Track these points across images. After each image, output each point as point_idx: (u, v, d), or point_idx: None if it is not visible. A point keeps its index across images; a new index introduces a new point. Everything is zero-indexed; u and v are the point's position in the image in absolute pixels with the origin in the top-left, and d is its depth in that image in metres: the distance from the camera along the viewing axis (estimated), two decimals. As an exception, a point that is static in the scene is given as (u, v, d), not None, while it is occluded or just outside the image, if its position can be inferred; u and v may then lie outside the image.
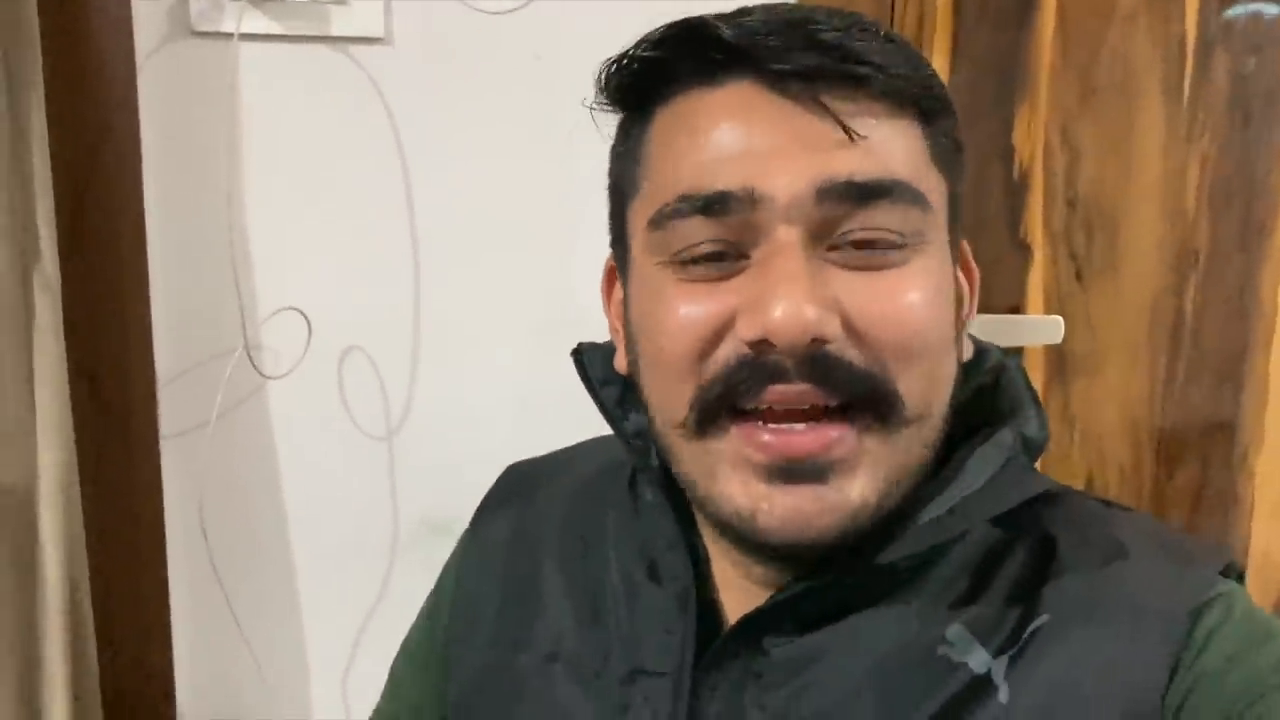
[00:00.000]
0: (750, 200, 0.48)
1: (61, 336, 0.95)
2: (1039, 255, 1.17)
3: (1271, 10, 1.12)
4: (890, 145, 0.49)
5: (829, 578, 0.50)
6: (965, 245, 0.56)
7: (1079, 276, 1.17)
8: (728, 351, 0.49)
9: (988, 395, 0.56)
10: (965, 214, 0.55)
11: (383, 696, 0.72)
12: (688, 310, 0.49)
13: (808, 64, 0.47)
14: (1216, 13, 1.13)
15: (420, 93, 1.07)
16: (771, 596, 0.51)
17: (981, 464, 0.52)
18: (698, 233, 0.49)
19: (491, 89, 1.08)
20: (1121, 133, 1.15)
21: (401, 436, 1.11)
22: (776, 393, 0.47)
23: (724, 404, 0.49)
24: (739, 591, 0.55)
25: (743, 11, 0.50)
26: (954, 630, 0.50)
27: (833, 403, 0.48)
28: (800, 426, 0.48)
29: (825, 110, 0.47)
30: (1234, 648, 0.48)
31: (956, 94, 0.55)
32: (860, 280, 0.48)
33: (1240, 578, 0.52)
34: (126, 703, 1.08)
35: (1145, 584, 0.50)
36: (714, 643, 0.53)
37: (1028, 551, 0.52)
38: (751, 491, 0.49)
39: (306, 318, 1.07)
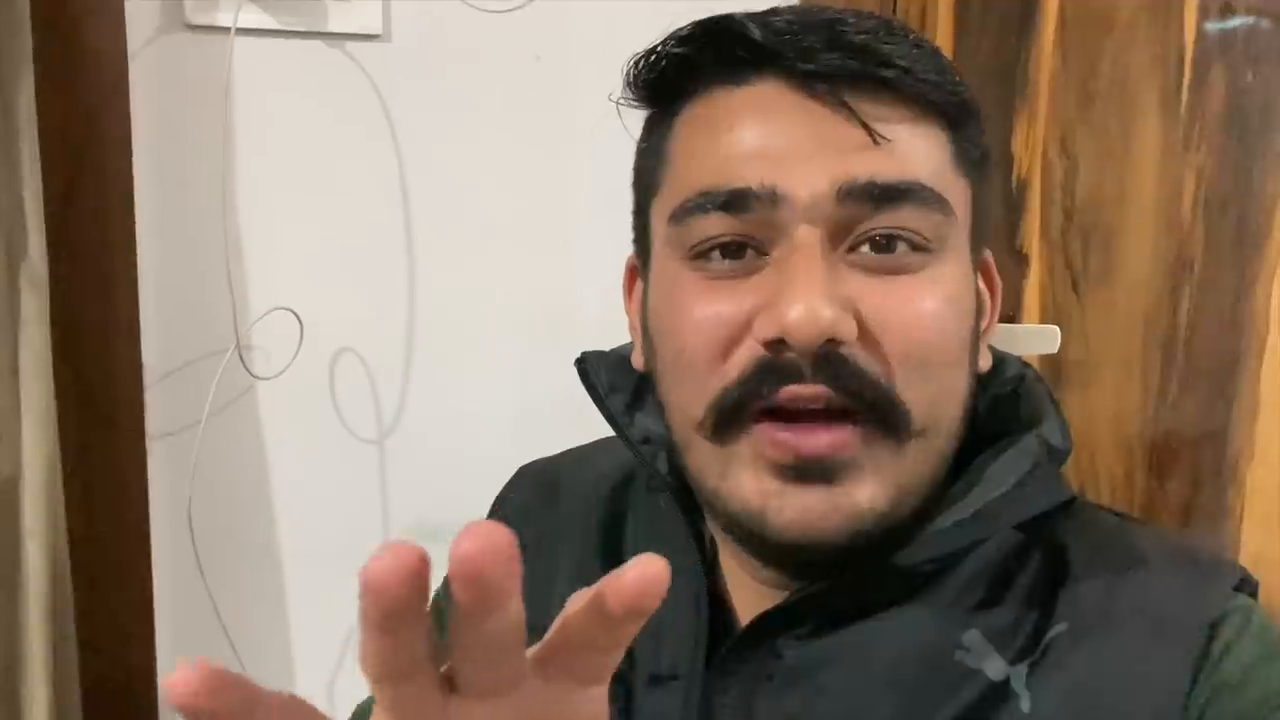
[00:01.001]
0: (771, 198, 0.48)
1: (48, 331, 0.94)
2: (1036, 264, 1.17)
3: (1266, 23, 1.12)
4: (914, 148, 0.49)
5: (846, 578, 0.50)
6: (989, 256, 0.56)
7: (1075, 286, 1.17)
8: (746, 354, 0.48)
9: (1006, 405, 0.55)
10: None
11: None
12: (706, 310, 0.49)
13: (833, 65, 0.47)
14: (1213, 23, 1.13)
15: (418, 91, 1.06)
16: (788, 595, 0.51)
17: (1007, 469, 0.51)
18: (717, 227, 0.49)
19: (490, 88, 1.07)
20: (1119, 143, 1.15)
21: (393, 440, 1.10)
22: (791, 392, 0.47)
23: (742, 406, 0.49)
24: (750, 595, 0.54)
25: (772, 11, 0.50)
26: (970, 636, 0.50)
27: (846, 405, 0.47)
28: (816, 425, 0.48)
29: (849, 111, 0.47)
30: (1251, 660, 0.48)
31: None
32: (877, 284, 0.48)
33: (1254, 592, 0.52)
34: (107, 702, 1.06)
35: (1161, 596, 0.50)
36: (725, 645, 0.53)
37: (1043, 560, 0.52)
38: (764, 488, 0.49)
39: (299, 318, 1.06)
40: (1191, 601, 0.49)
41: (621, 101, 0.54)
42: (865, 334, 0.47)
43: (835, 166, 0.47)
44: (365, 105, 1.05)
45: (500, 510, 0.69)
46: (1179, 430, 1.19)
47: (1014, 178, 1.17)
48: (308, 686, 1.12)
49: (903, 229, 0.48)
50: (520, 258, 1.09)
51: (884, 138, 0.47)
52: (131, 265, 1.03)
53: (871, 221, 0.48)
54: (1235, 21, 1.13)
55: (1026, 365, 0.58)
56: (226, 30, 1.00)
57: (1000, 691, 0.48)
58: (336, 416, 1.09)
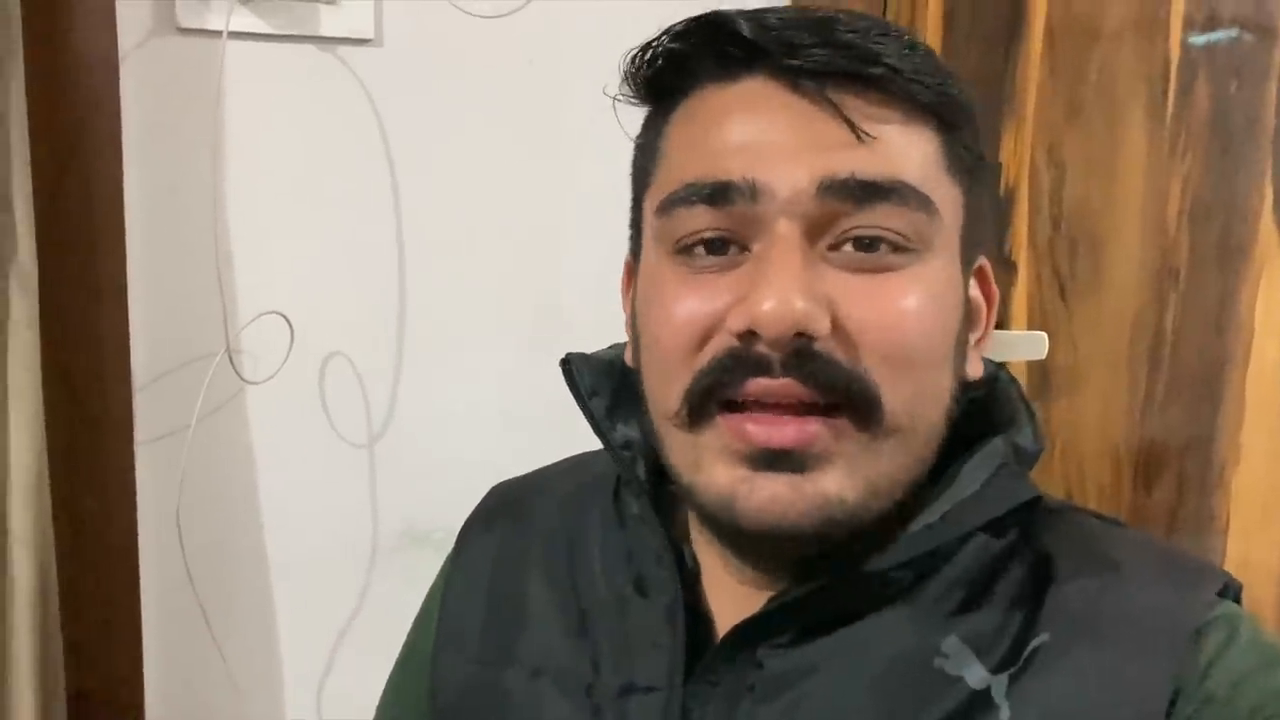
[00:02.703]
0: (752, 192, 0.48)
1: (37, 333, 0.93)
2: (1023, 271, 1.18)
3: (1246, 37, 1.14)
4: (900, 148, 0.48)
5: (822, 582, 0.50)
6: (987, 264, 0.56)
7: (1062, 293, 1.18)
8: (718, 345, 0.49)
9: (981, 408, 0.55)
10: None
11: None
12: (685, 303, 0.50)
13: (820, 61, 0.48)
14: (1198, 36, 1.14)
15: (409, 96, 1.06)
16: (765, 604, 0.51)
17: (975, 472, 0.52)
18: (701, 221, 0.49)
19: (482, 93, 1.07)
20: (1106, 151, 1.16)
21: (383, 444, 1.10)
22: (760, 385, 0.47)
23: (712, 396, 0.49)
24: (730, 600, 0.54)
25: (767, 10, 0.50)
26: (950, 643, 0.49)
27: (816, 400, 0.47)
28: (784, 419, 0.48)
29: (833, 107, 0.47)
30: (1240, 672, 0.47)
31: None
32: (857, 282, 0.48)
33: (1238, 597, 0.52)
34: (94, 709, 1.05)
35: (1145, 604, 0.50)
36: (705, 656, 0.52)
37: (1024, 567, 0.52)
38: (734, 475, 0.49)
39: (289, 322, 1.06)
40: (1175, 610, 0.49)
41: (619, 98, 0.55)
42: (843, 331, 0.47)
43: (817, 162, 0.47)
44: (356, 110, 1.05)
45: (467, 526, 0.69)
46: (1165, 436, 1.20)
47: (1002, 185, 1.17)
48: (295, 692, 1.12)
49: (885, 228, 0.48)
50: (511, 262, 1.09)
51: (869, 135, 0.47)
52: (121, 268, 1.02)
53: (853, 219, 0.48)
54: (1220, 34, 1.14)
55: (1000, 367, 0.58)
56: (218, 34, 1.00)
57: (981, 701, 0.48)
58: (326, 421, 1.09)
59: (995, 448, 0.52)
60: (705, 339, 0.49)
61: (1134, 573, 0.51)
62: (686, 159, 0.51)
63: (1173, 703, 0.47)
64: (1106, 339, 1.18)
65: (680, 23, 0.51)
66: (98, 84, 1.00)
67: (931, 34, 1.16)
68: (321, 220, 1.06)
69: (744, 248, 0.49)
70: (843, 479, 0.48)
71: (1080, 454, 1.19)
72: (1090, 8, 1.15)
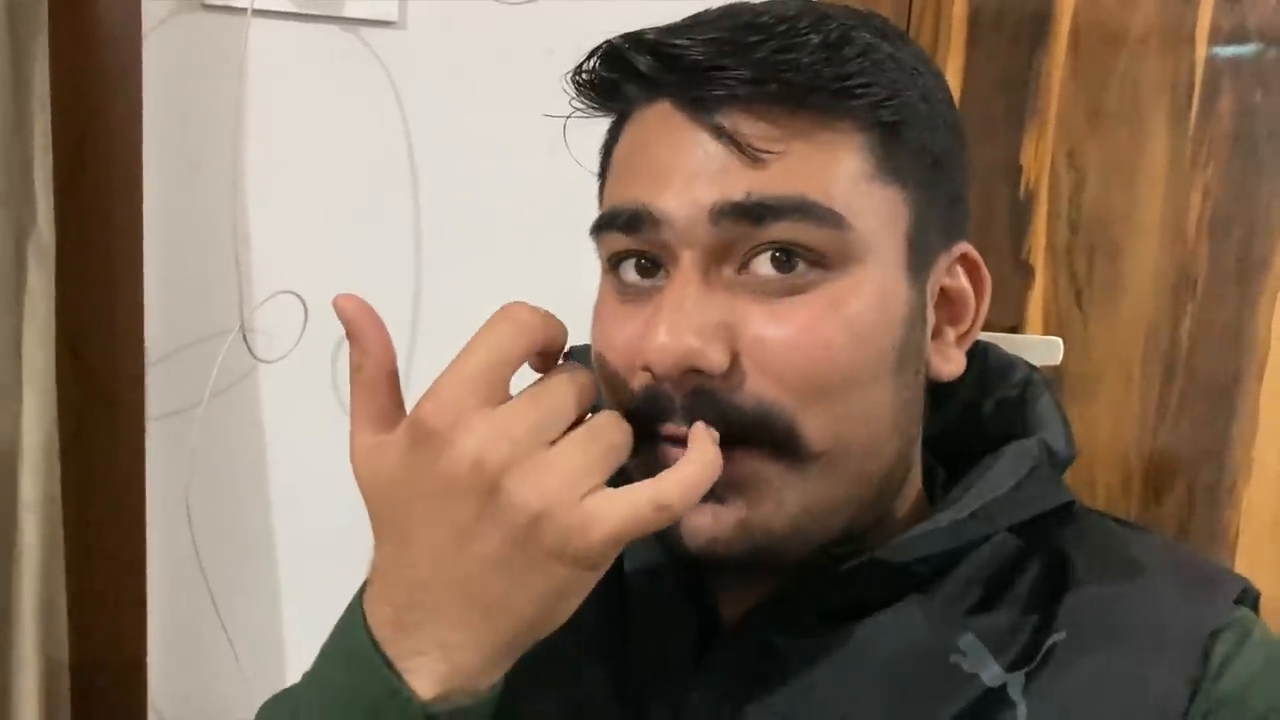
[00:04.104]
0: (654, 221, 0.47)
1: (53, 304, 0.94)
2: (1040, 276, 1.17)
3: (1271, 52, 1.13)
4: (806, 163, 0.47)
5: (836, 572, 0.49)
6: (972, 251, 0.54)
7: (1078, 299, 1.17)
8: (638, 381, 0.48)
9: (1012, 409, 0.55)
10: (971, 230, 0.53)
11: None
12: (613, 331, 0.50)
13: (720, 86, 0.46)
14: (1224, 47, 1.14)
15: (431, 79, 1.06)
16: (777, 589, 0.51)
17: (1006, 471, 0.51)
18: (622, 245, 0.49)
19: (503, 79, 1.07)
20: (1127, 158, 1.16)
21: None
22: (668, 430, 0.47)
23: (639, 429, 0.48)
24: (744, 586, 0.53)
25: (692, 22, 0.49)
26: (966, 640, 0.49)
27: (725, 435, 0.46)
28: None
29: (728, 135, 0.47)
30: (1252, 673, 0.47)
31: (967, 109, 0.53)
32: (763, 308, 0.47)
33: (1255, 603, 0.52)
34: (96, 678, 1.06)
35: (1161, 607, 0.49)
36: (716, 640, 0.52)
37: (1042, 566, 0.51)
38: None
39: (304, 302, 1.06)
40: (1191, 614, 0.49)
41: (576, 114, 0.54)
42: (750, 361, 0.46)
43: (711, 188, 0.46)
44: (378, 92, 1.05)
45: None
46: (1177, 447, 1.19)
47: (1021, 189, 1.17)
48: (299, 671, 1.11)
49: (785, 247, 0.47)
50: (528, 249, 1.09)
51: (767, 153, 0.46)
52: (137, 243, 1.02)
53: (750, 241, 0.46)
54: (1246, 46, 1.13)
55: (1034, 369, 0.57)
56: (243, 11, 1.00)
57: (997, 699, 0.48)
58: (338, 401, 1.08)
59: (1027, 449, 0.51)
60: (629, 370, 0.49)
61: (1153, 576, 0.51)
62: (615, 180, 0.52)
63: (1187, 707, 0.47)
64: (1121, 347, 1.18)
65: (600, 45, 0.51)
66: (121, 58, 1.00)
67: (956, 36, 1.15)
68: (339, 202, 1.06)
69: (668, 271, 0.49)
70: (767, 508, 0.47)
71: (1091, 461, 1.19)
72: (1116, 14, 1.14)
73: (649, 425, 0.47)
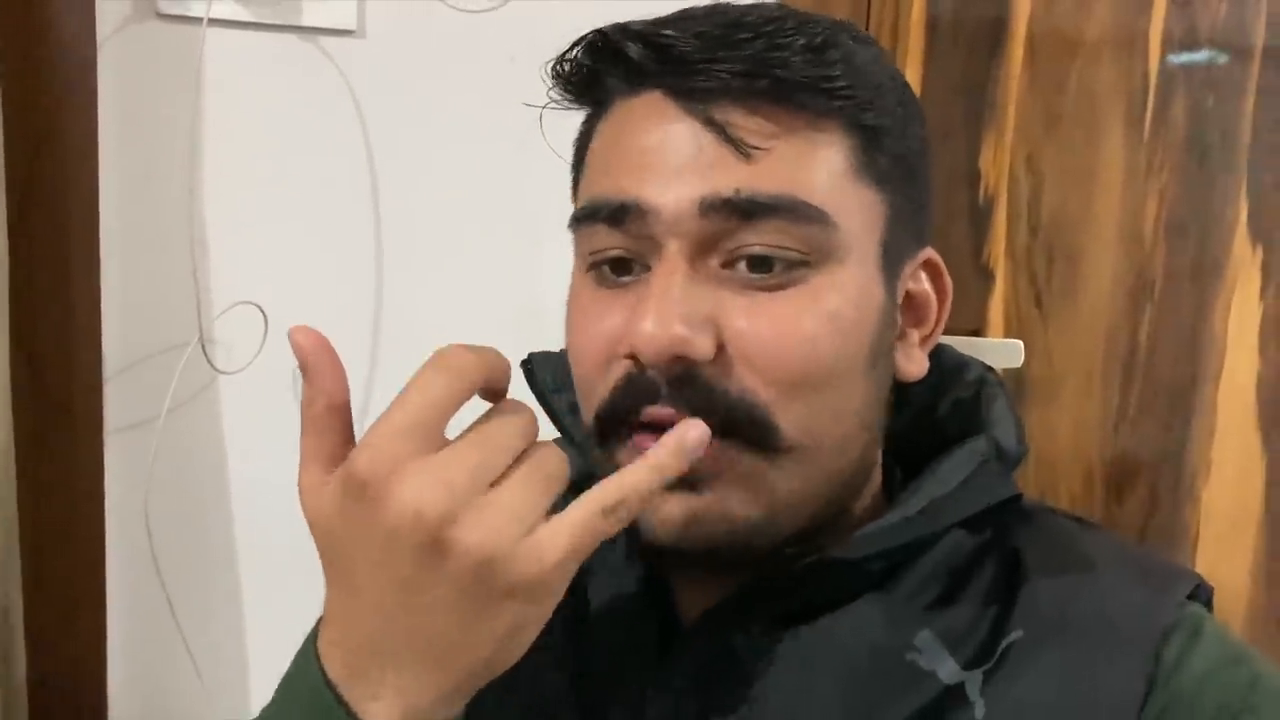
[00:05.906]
0: (640, 212, 0.48)
1: (6, 318, 0.92)
2: (1000, 280, 1.18)
3: (1222, 59, 1.15)
4: (794, 160, 0.48)
5: (791, 571, 0.50)
6: (935, 257, 0.55)
7: (1038, 302, 1.19)
8: (619, 369, 0.49)
9: (967, 408, 0.56)
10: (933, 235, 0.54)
11: None
12: (591, 324, 0.50)
13: (711, 81, 0.47)
14: (1176, 54, 1.15)
15: (390, 88, 1.05)
16: (736, 589, 0.51)
17: (954, 468, 0.52)
18: (604, 240, 0.50)
19: (463, 88, 1.06)
20: (1084, 163, 1.17)
21: (357, 439, 1.09)
22: (650, 413, 0.48)
23: (617, 419, 0.49)
24: (702, 588, 0.54)
25: (679, 17, 0.50)
26: (922, 637, 0.49)
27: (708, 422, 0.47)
28: None
29: (718, 127, 0.47)
30: (1206, 669, 0.48)
31: (926, 115, 0.54)
32: (747, 301, 0.48)
33: (1209, 600, 0.53)
34: (55, 693, 1.04)
35: (1115, 604, 0.50)
36: (675, 642, 0.52)
37: (998, 564, 0.52)
38: None
39: (264, 313, 1.05)
40: (1145, 610, 0.49)
41: (552, 105, 0.54)
42: (731, 353, 0.47)
43: (700, 181, 0.47)
44: (337, 101, 1.04)
45: None
46: (1137, 448, 1.20)
47: (980, 194, 1.18)
48: (263, 686, 1.10)
49: (774, 246, 0.47)
50: (489, 257, 1.09)
51: (757, 149, 0.47)
52: (93, 254, 1.01)
53: (740, 237, 0.47)
54: (1198, 53, 1.15)
55: (988, 369, 0.58)
56: (199, 21, 0.99)
57: (955, 698, 0.48)
58: (299, 413, 1.08)
59: (977, 445, 0.52)
60: (609, 360, 0.49)
61: (1107, 573, 0.52)
62: (594, 174, 0.52)
63: (1144, 701, 0.47)
64: (1081, 349, 1.19)
65: (587, 35, 0.51)
66: (75, 68, 0.99)
67: (914, 42, 1.16)
68: (299, 211, 1.06)
69: (645, 266, 0.49)
70: (741, 498, 0.48)
71: (1053, 463, 1.20)
72: (1071, 21, 1.16)
73: (626, 414, 0.48)
